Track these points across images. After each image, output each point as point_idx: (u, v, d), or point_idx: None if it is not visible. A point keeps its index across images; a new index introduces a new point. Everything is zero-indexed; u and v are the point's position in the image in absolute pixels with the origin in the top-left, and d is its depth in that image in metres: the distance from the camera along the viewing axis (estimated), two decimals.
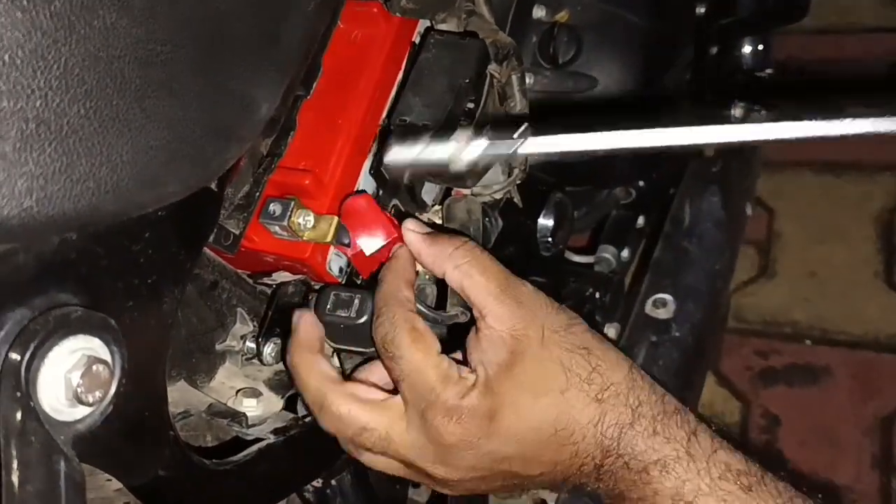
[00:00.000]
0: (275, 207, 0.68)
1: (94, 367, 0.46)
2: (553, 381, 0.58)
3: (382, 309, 0.61)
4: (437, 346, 0.59)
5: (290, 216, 0.67)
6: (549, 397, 0.58)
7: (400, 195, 0.78)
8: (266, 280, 0.74)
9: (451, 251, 0.62)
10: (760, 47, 1.37)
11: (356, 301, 0.67)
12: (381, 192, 0.76)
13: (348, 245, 0.69)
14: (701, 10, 1.25)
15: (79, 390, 0.45)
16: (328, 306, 0.67)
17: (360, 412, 0.59)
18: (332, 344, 0.71)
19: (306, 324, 0.64)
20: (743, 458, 0.57)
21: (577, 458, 0.58)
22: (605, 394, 0.58)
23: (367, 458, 0.62)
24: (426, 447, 0.58)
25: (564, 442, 0.58)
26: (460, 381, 0.57)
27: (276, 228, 0.68)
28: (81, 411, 0.46)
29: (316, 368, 0.62)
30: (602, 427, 0.57)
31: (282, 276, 0.74)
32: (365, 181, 0.74)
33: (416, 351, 0.58)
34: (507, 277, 0.61)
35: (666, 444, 0.57)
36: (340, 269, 0.73)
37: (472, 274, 0.60)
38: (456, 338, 0.63)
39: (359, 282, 0.77)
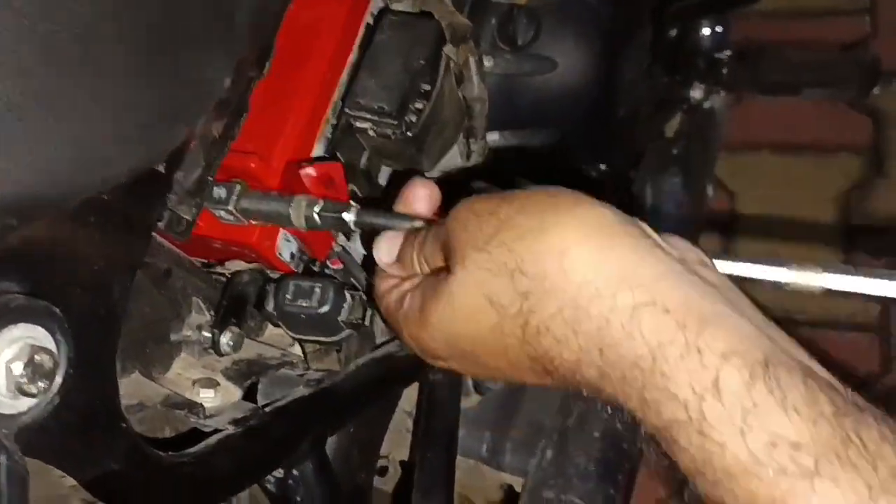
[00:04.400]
0: (220, 191, 0.66)
1: (37, 357, 0.44)
2: (477, 324, 0.50)
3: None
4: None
5: (237, 200, 0.66)
6: (476, 346, 0.52)
7: (357, 180, 0.77)
8: (220, 269, 0.73)
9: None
10: (718, 29, 1.37)
11: (317, 290, 0.66)
12: None
13: None
14: None
15: (21, 381, 0.44)
16: (288, 296, 0.66)
17: None
18: (293, 334, 0.70)
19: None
20: None
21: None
22: (537, 345, 0.48)
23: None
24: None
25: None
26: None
27: (222, 213, 0.67)
28: (25, 403, 0.45)
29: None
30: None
31: (236, 265, 0.73)
32: None
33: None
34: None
35: None
36: (292, 255, 0.72)
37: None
38: None
39: (315, 268, 0.75)
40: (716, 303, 0.45)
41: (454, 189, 0.59)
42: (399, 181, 0.66)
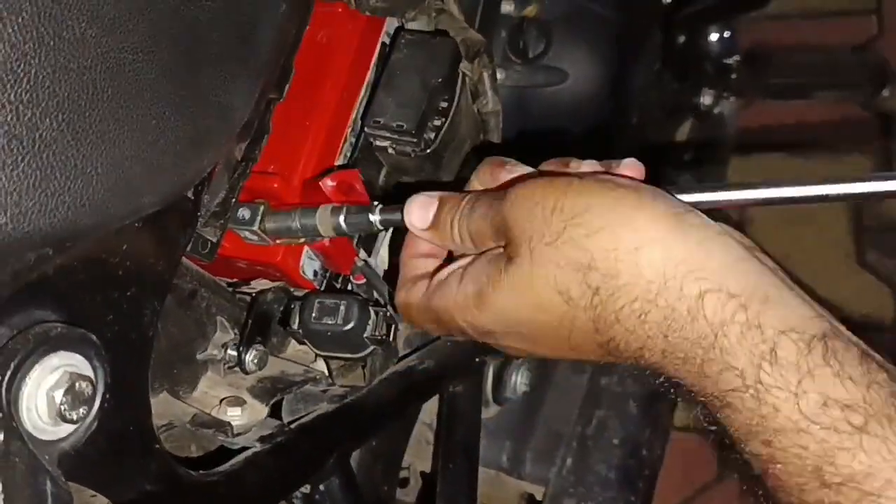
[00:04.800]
0: (244, 212, 0.67)
1: (77, 384, 0.45)
2: (545, 314, 0.52)
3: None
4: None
5: (260, 220, 0.67)
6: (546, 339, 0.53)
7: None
8: (245, 289, 0.73)
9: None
10: (727, 34, 1.38)
11: (342, 308, 0.67)
12: None
13: None
14: None
15: (62, 408, 0.44)
16: (314, 314, 0.67)
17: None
18: (318, 351, 0.71)
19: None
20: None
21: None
22: (605, 333, 0.50)
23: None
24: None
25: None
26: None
27: (247, 233, 0.68)
28: (65, 429, 0.46)
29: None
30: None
31: (261, 284, 0.73)
32: None
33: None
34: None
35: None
36: (315, 273, 0.73)
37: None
38: None
39: (338, 286, 0.76)
40: (778, 285, 0.48)
41: None
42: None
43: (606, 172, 0.56)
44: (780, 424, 0.44)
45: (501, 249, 0.54)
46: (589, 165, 0.57)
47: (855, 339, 0.47)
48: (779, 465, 0.45)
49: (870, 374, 0.44)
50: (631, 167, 0.56)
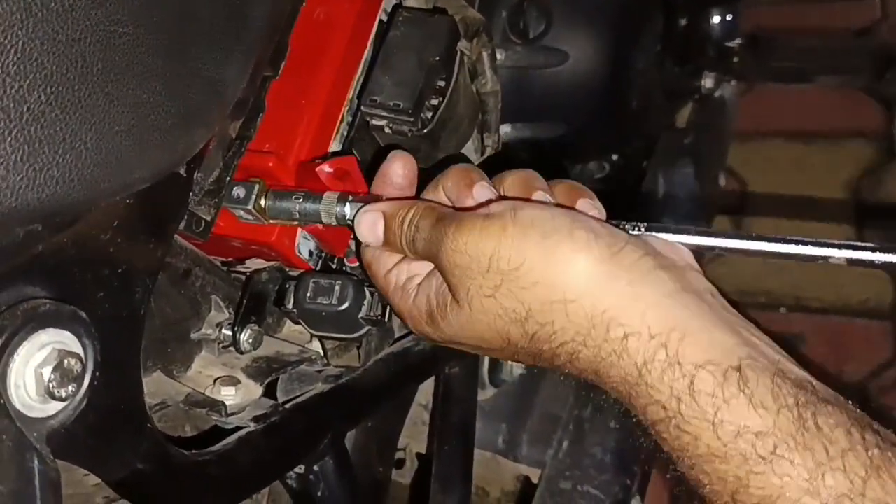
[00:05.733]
0: (239, 191, 0.66)
1: (66, 361, 0.45)
2: (489, 341, 0.58)
3: None
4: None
5: (255, 199, 0.66)
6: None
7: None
8: (240, 268, 0.73)
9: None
10: (728, 17, 1.37)
11: (336, 287, 0.66)
12: None
13: None
14: None
15: (51, 385, 0.44)
16: (308, 294, 0.67)
17: None
18: (313, 331, 0.71)
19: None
20: None
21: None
22: (545, 362, 0.56)
23: None
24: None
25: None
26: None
27: (241, 212, 0.67)
28: (54, 406, 0.45)
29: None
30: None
31: (255, 264, 0.73)
32: None
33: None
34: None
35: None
36: (310, 253, 0.72)
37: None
38: None
39: (333, 265, 0.76)
40: (700, 317, 0.52)
41: None
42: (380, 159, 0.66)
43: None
44: (701, 452, 0.49)
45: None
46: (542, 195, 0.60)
47: (775, 358, 0.50)
48: (705, 488, 0.49)
49: (780, 398, 0.48)
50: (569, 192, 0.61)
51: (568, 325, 0.53)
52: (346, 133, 0.74)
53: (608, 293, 0.52)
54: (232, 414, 0.66)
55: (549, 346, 0.54)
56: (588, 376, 0.54)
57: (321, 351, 0.74)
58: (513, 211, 0.55)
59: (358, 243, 0.65)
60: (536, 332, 0.54)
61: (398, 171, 0.64)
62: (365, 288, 0.67)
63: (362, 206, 0.63)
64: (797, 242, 0.57)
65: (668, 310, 0.51)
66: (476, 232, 0.55)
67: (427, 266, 0.60)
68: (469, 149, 0.84)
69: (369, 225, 0.62)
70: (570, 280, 0.53)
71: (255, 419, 0.67)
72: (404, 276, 0.62)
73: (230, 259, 0.73)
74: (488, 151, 0.86)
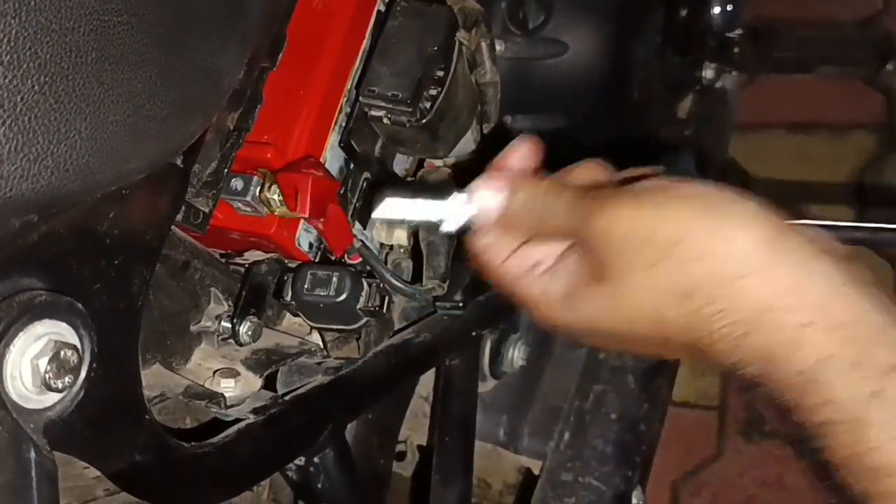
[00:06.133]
0: (237, 183, 0.66)
1: (63, 353, 0.44)
2: (640, 327, 0.52)
3: None
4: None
5: (260, 191, 0.66)
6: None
7: (371, 167, 0.77)
8: (239, 260, 0.73)
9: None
10: (729, 8, 1.36)
11: (334, 279, 0.66)
12: (351, 165, 0.75)
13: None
14: None
15: (47, 376, 0.44)
16: (306, 286, 0.67)
17: None
18: (312, 323, 0.71)
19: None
20: None
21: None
22: (701, 349, 0.50)
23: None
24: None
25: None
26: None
27: (239, 204, 0.67)
28: (51, 398, 0.45)
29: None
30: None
31: (254, 256, 0.73)
32: (332, 153, 0.72)
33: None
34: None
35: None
36: (310, 245, 0.72)
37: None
38: None
39: (332, 258, 0.76)
40: (882, 313, 0.46)
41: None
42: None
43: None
44: (876, 466, 0.44)
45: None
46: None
47: None
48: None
49: None
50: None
51: (736, 304, 0.48)
52: (344, 124, 0.73)
53: (781, 274, 0.47)
54: (231, 406, 0.66)
55: (711, 329, 0.49)
56: (752, 367, 0.48)
57: (321, 343, 0.74)
58: (668, 186, 0.51)
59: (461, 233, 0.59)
60: (699, 310, 0.49)
61: (525, 153, 0.59)
62: (363, 279, 0.67)
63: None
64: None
65: (847, 300, 0.47)
66: (633, 203, 0.51)
67: (555, 250, 0.56)
68: (468, 140, 0.84)
69: (491, 203, 0.57)
70: (738, 255, 0.48)
71: (255, 411, 0.67)
72: (528, 262, 0.57)
73: (229, 251, 0.73)
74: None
